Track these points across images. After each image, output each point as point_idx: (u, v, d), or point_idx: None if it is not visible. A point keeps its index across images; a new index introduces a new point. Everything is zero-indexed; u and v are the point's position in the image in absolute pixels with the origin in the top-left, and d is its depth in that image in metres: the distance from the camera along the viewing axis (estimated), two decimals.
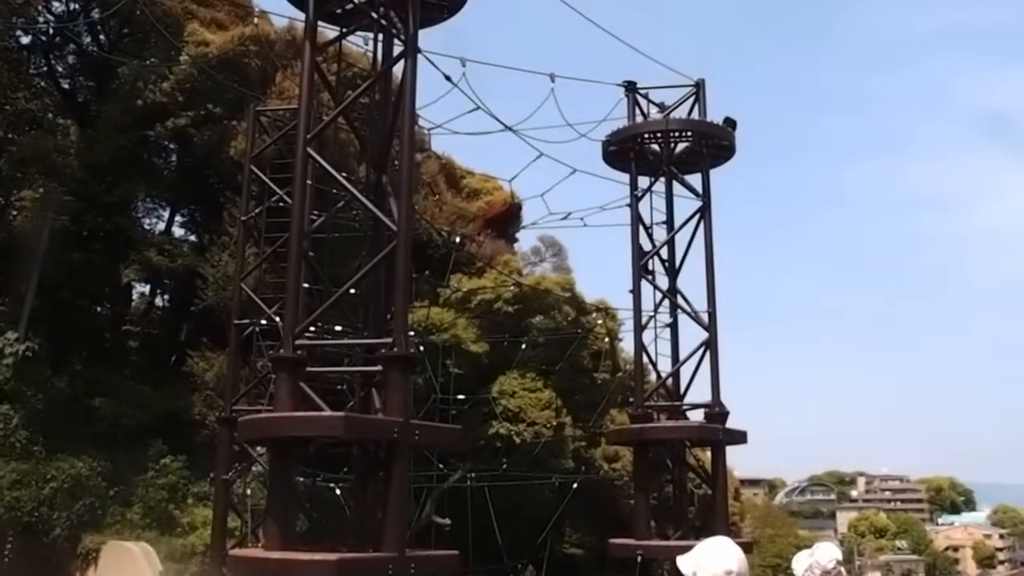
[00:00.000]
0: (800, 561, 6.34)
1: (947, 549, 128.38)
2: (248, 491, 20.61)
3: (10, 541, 24.31)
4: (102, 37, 34.90)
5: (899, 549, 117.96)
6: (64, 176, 29.52)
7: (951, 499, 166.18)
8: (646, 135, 18.93)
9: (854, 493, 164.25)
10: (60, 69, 35.21)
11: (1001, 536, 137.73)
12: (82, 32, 34.06)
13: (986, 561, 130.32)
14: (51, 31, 33.59)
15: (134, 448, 27.45)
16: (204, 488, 26.35)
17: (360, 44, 14.91)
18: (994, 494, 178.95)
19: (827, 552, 6.28)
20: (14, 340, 26.18)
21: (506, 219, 37.67)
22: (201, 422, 28.38)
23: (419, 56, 12.51)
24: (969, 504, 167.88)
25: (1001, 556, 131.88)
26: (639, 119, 19.10)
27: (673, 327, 18.83)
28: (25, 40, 33.34)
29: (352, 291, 12.77)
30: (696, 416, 18.45)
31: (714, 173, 18.89)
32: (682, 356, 18.60)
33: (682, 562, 4.44)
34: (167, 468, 27.15)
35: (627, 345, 33.97)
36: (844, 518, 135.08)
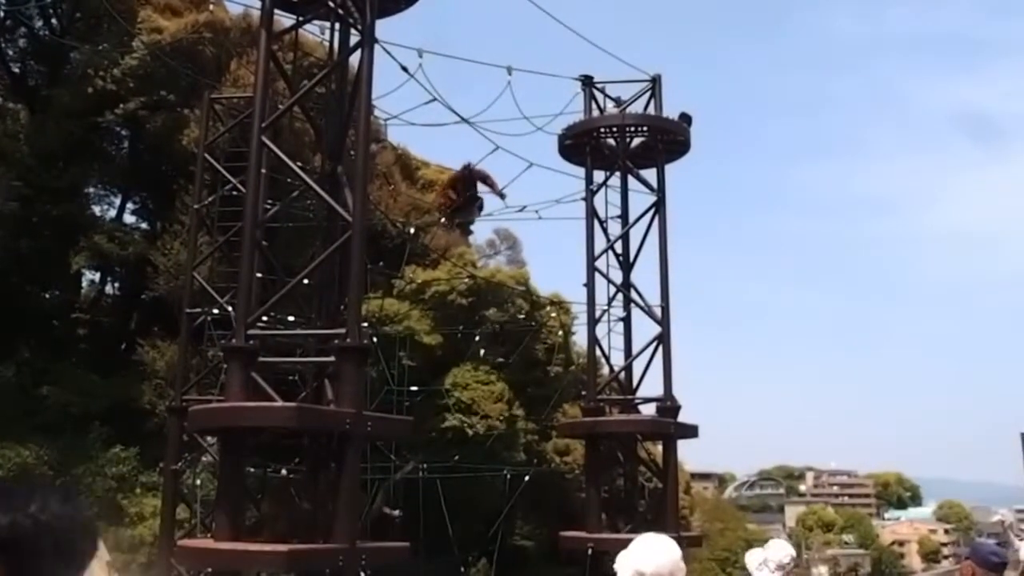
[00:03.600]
0: (754, 557, 6.41)
1: (893, 544, 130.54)
2: (198, 481, 20.47)
3: None
4: (54, 21, 34.32)
5: (846, 543, 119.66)
6: (13, 161, 29.03)
7: (898, 494, 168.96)
8: (602, 129, 19.04)
9: (803, 488, 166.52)
10: (10, 53, 34.57)
11: (946, 531, 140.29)
12: (33, 15, 33.49)
13: (931, 556, 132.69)
14: (1, 14, 33.00)
15: (82, 437, 27.12)
16: (153, 478, 26.13)
17: (317, 33, 14.88)
18: (940, 490, 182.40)
19: (781, 549, 6.37)
20: None
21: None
22: (151, 411, 28.06)
23: (376, 46, 12.50)
24: (915, 499, 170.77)
25: (945, 551, 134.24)
26: (595, 113, 19.21)
27: (626, 321, 18.98)
28: None
29: (306, 281, 12.74)
30: (648, 410, 18.62)
31: (669, 169, 19.06)
32: (635, 350, 18.77)
33: (632, 562, 4.27)
34: (116, 458, 26.86)
35: (580, 339, 34.16)
36: (792, 512, 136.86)
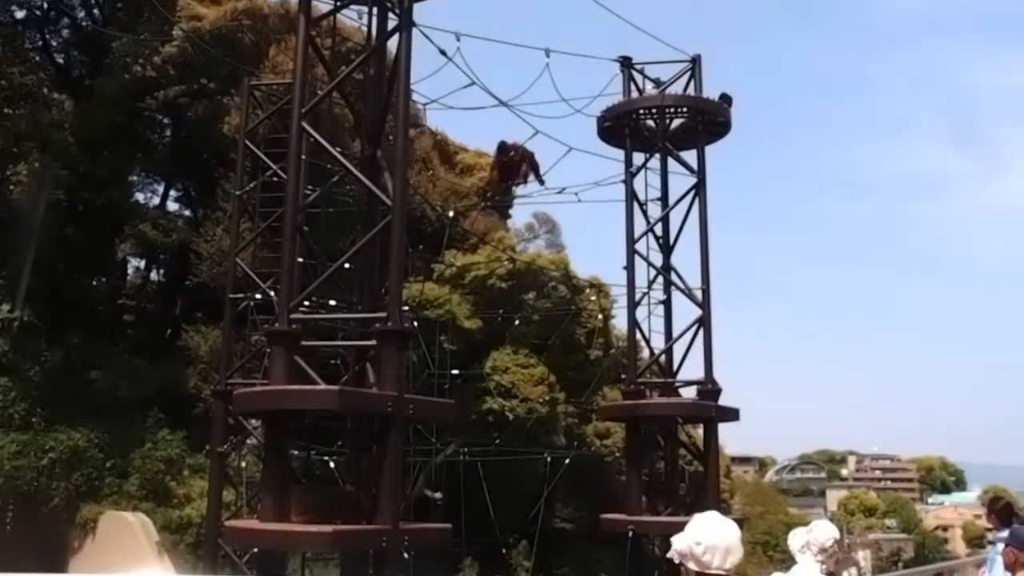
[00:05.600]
0: (796, 538, 6.36)
1: (937, 528, 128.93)
2: (243, 464, 20.78)
3: (10, 510, 24.54)
4: (96, 11, 34.75)
5: (889, 528, 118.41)
6: (59, 150, 29.46)
7: (942, 479, 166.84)
8: (641, 111, 18.90)
9: (844, 472, 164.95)
10: (54, 43, 35.06)
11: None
12: (76, 6, 33.93)
13: (976, 541, 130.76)
14: (45, 5, 33.46)
15: (130, 421, 27.59)
16: (200, 460, 26.54)
17: (354, 18, 14.92)
18: (985, 474, 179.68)
19: (825, 530, 6.29)
20: (7, 311, 26.27)
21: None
22: (197, 395, 28.51)
23: (413, 30, 12.53)
24: (960, 484, 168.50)
25: (990, 536, 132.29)
26: (634, 95, 19.08)
27: (667, 304, 18.92)
28: (20, 14, 33.22)
29: (347, 266, 12.84)
30: (689, 393, 18.55)
31: (709, 151, 18.91)
32: (675, 333, 18.71)
33: (690, 535, 4.25)
34: (164, 441, 27.31)
35: (620, 322, 34.11)
36: (834, 496, 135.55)
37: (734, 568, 4.25)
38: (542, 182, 20.88)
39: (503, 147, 20.49)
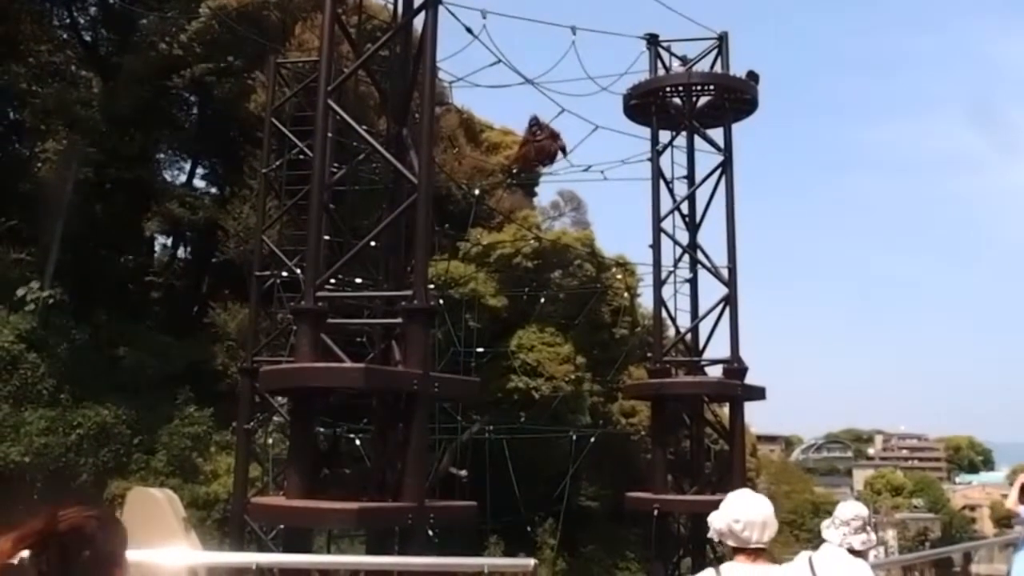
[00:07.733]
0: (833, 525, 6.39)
1: (964, 508, 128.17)
2: (270, 441, 20.89)
3: (38, 486, 24.81)
4: None
5: (916, 507, 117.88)
6: (87, 128, 29.60)
7: (969, 458, 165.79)
8: (668, 88, 18.79)
9: (871, 451, 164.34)
10: (82, 21, 35.21)
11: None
12: None
13: (1003, 521, 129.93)
14: None
15: (157, 397, 27.82)
16: (227, 437, 26.73)
17: None
18: (1013, 453, 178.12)
19: (849, 509, 6.28)
20: (37, 289, 26.48)
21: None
22: (223, 373, 28.68)
23: (439, 8, 12.46)
24: (987, 463, 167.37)
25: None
26: (661, 72, 18.97)
27: (693, 282, 18.85)
28: None
29: (373, 244, 12.85)
30: (715, 372, 18.52)
31: (736, 129, 18.79)
32: (701, 312, 18.65)
33: (727, 512, 4.43)
34: (191, 418, 27.53)
35: (646, 300, 33.98)
36: (861, 476, 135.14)
37: (769, 541, 4.36)
38: (566, 154, 20.80)
39: (535, 122, 20.40)
